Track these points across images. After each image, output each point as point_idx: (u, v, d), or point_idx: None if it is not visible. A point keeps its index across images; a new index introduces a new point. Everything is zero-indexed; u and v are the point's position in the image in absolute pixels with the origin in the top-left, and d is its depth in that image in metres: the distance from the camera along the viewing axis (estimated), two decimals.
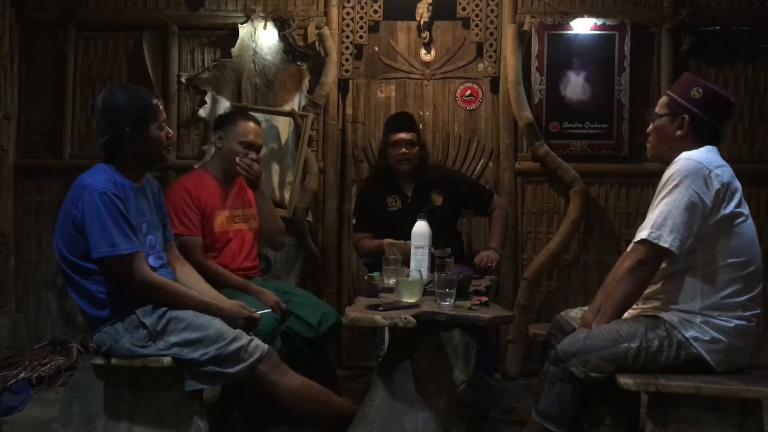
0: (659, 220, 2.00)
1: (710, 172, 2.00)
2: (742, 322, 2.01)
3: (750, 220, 2.07)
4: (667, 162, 2.13)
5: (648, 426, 1.97)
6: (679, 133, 2.13)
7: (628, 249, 2.11)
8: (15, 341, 3.78)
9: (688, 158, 2.04)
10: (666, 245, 1.98)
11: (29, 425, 2.86)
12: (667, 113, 2.17)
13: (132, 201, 2.26)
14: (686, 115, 2.12)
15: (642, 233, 2.02)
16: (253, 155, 2.89)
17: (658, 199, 2.05)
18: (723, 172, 2.03)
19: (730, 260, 2.02)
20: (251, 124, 2.95)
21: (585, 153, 3.83)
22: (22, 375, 3.31)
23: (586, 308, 2.45)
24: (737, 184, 2.07)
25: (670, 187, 2.02)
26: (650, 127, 2.24)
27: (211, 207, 2.84)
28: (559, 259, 3.84)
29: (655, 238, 1.98)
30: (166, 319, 2.22)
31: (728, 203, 2.01)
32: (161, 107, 2.34)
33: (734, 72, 3.86)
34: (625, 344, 2.01)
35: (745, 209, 2.07)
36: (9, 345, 3.71)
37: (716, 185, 1.99)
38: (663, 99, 2.23)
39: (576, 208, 3.77)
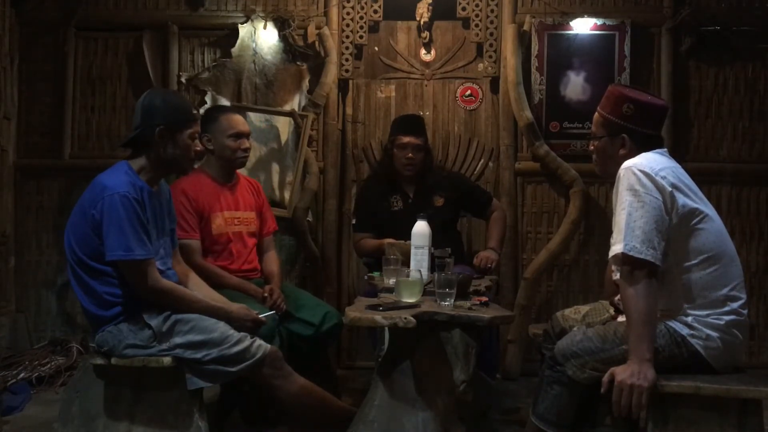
0: (627, 231, 1.93)
1: (655, 175, 1.97)
2: (732, 317, 1.98)
3: (713, 219, 2.02)
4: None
5: (648, 426, 1.96)
6: (622, 152, 2.12)
7: (613, 269, 2.04)
8: (15, 341, 3.79)
9: (627, 168, 2.00)
10: (641, 256, 1.91)
11: (29, 425, 2.86)
12: (605, 134, 2.16)
13: (148, 206, 2.27)
14: (625, 135, 2.11)
15: (617, 247, 1.96)
16: (246, 143, 2.92)
17: (618, 211, 2.00)
18: (667, 173, 2.00)
19: (699, 258, 1.98)
20: (232, 114, 2.98)
21: (585, 153, 3.81)
22: (22, 375, 3.31)
23: (581, 307, 2.45)
24: (687, 181, 2.04)
25: (626, 200, 1.96)
26: (591, 147, 2.23)
27: (209, 209, 2.83)
28: (559, 259, 3.83)
29: (630, 250, 1.92)
30: (171, 321, 2.22)
31: (679, 201, 1.96)
32: (198, 121, 2.40)
33: (734, 72, 3.86)
34: (624, 346, 1.98)
35: (705, 207, 2.02)
36: (9, 345, 3.72)
37: (667, 187, 1.95)
38: (597, 118, 2.20)
39: (576, 208, 3.77)
